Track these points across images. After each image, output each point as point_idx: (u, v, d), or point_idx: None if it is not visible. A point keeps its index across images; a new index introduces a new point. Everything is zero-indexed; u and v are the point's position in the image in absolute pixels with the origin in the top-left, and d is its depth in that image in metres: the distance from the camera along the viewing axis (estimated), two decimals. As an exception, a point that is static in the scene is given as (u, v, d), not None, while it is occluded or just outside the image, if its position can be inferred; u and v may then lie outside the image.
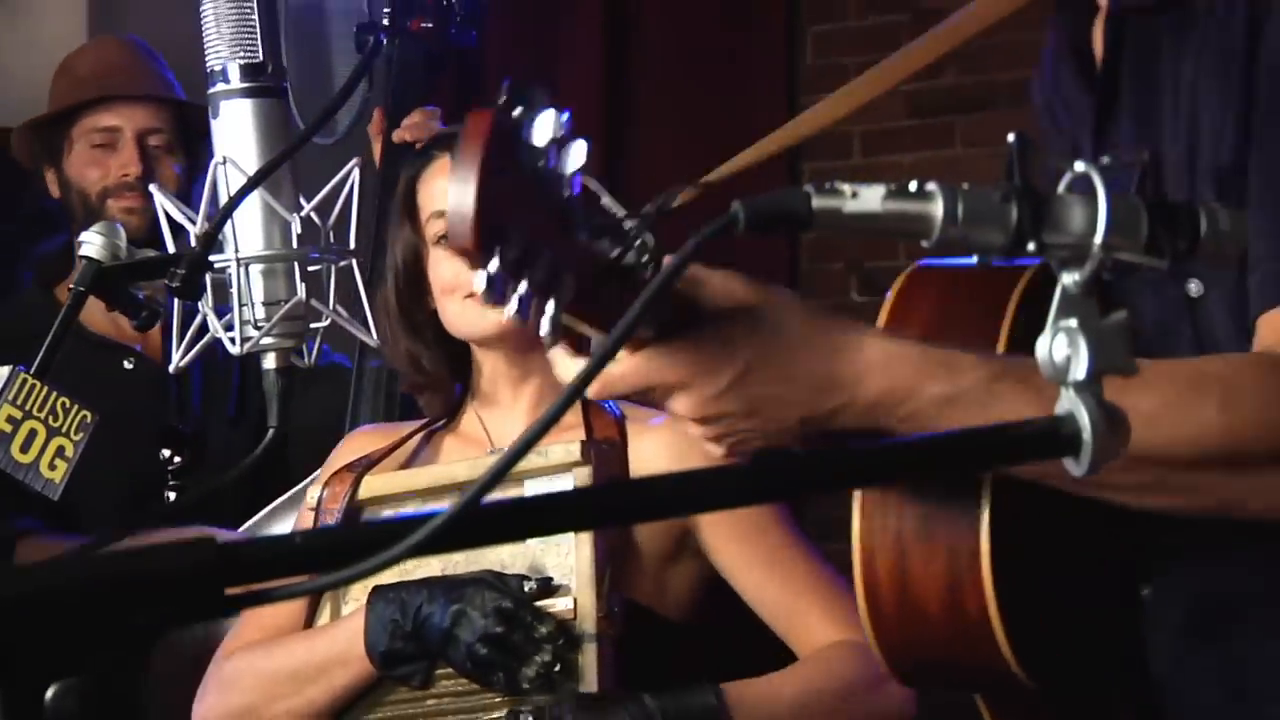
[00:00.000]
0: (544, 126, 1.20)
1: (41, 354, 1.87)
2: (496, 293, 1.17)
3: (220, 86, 1.70)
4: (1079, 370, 1.10)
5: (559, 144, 1.21)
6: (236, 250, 1.50)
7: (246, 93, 1.68)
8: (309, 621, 2.38)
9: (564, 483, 2.23)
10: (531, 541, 2.22)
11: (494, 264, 1.14)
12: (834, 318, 1.49)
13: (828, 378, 1.44)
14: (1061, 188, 1.15)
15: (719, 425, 1.46)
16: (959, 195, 1.13)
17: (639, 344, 1.42)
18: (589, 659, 2.21)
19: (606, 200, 1.38)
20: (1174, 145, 1.63)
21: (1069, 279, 1.13)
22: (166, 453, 2.82)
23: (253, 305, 1.46)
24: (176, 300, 1.89)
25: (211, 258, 1.65)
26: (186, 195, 3.15)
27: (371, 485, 2.35)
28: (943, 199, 1.12)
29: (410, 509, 2.32)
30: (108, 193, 3.26)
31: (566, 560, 2.25)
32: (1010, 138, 1.15)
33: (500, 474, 1.03)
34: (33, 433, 1.82)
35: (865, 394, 1.44)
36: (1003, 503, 1.49)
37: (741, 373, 1.42)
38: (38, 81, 5.12)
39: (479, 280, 1.16)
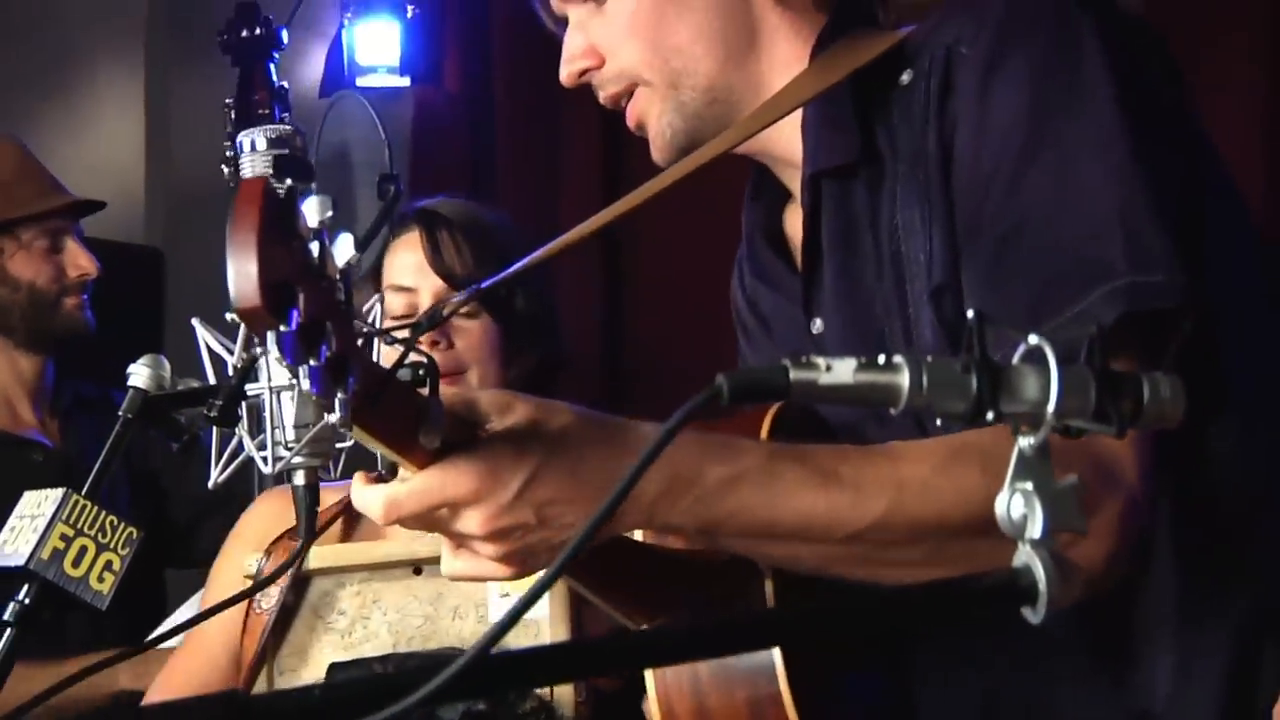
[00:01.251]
0: (313, 209, 1.25)
1: (92, 477, 1.96)
2: (288, 355, 1.19)
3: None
4: (1034, 529, 1.18)
5: (329, 227, 1.25)
6: (270, 380, 1.58)
7: (280, 175, 1.75)
8: (247, 688, 2.25)
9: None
10: (496, 619, 2.12)
11: (283, 326, 1.15)
12: (613, 418, 1.49)
13: (614, 473, 1.43)
14: (1016, 358, 1.22)
15: (509, 540, 1.45)
16: (923, 366, 1.18)
17: (425, 461, 1.41)
18: None
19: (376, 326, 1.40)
20: (880, 283, 1.68)
21: (1025, 442, 1.21)
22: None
23: (284, 429, 1.53)
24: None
25: (245, 386, 1.71)
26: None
27: (322, 555, 2.27)
28: (909, 371, 1.18)
29: (357, 583, 2.25)
30: (66, 292, 3.44)
31: (537, 641, 2.20)
32: (969, 314, 1.21)
33: (505, 628, 1.10)
34: (83, 549, 1.92)
35: (651, 486, 1.44)
36: (794, 654, 1.54)
37: (529, 478, 1.42)
38: (91, 185, 5.23)
39: (270, 342, 1.20)
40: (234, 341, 1.39)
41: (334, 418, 1.27)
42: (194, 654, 2.33)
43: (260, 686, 2.25)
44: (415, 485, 1.43)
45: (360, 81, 5.26)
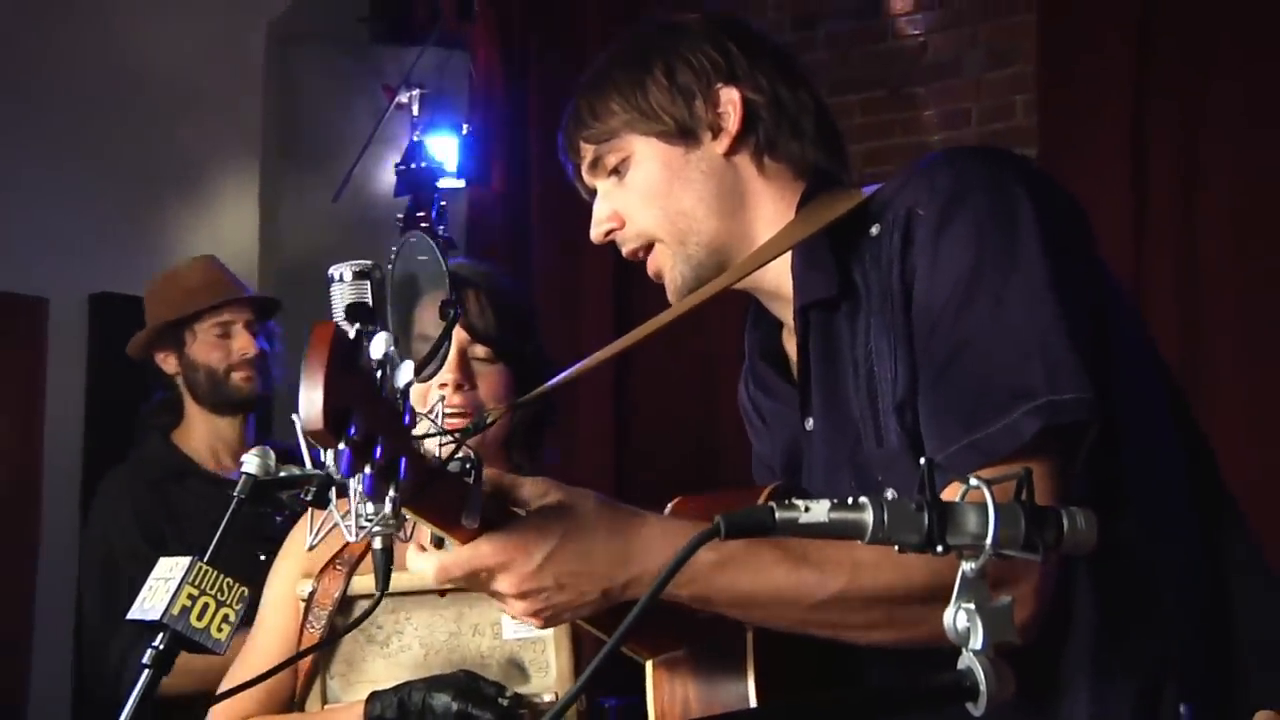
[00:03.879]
0: (378, 345, 1.24)
1: (212, 546, 1.93)
2: (344, 468, 1.18)
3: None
4: (976, 642, 1.14)
5: (392, 360, 1.24)
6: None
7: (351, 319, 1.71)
8: (302, 697, 2.20)
9: None
10: (508, 636, 2.13)
11: (341, 445, 1.14)
12: (626, 507, 1.49)
13: (621, 553, 1.45)
14: (959, 496, 1.18)
15: (536, 599, 1.46)
16: (885, 506, 1.15)
17: (469, 536, 1.42)
18: None
19: (431, 421, 1.39)
20: (858, 395, 1.67)
21: (967, 567, 1.17)
22: (263, 556, 2.77)
23: (366, 504, 1.49)
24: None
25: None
26: (265, 357, 3.51)
27: (364, 583, 2.17)
28: (872, 510, 1.15)
29: (392, 603, 2.16)
30: (232, 368, 3.49)
31: (543, 656, 2.13)
32: (921, 461, 1.18)
33: (574, 697, 1.05)
34: (205, 605, 1.89)
35: (650, 563, 1.45)
36: (764, 668, 1.52)
37: (551, 552, 1.42)
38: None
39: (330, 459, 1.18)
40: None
41: (385, 511, 1.26)
42: (256, 660, 2.22)
43: (315, 689, 2.20)
44: (460, 557, 1.45)
45: (427, 183, 5.26)
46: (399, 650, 2.17)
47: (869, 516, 1.15)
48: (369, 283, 1.53)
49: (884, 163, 4.93)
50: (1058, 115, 4.58)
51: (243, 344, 3.51)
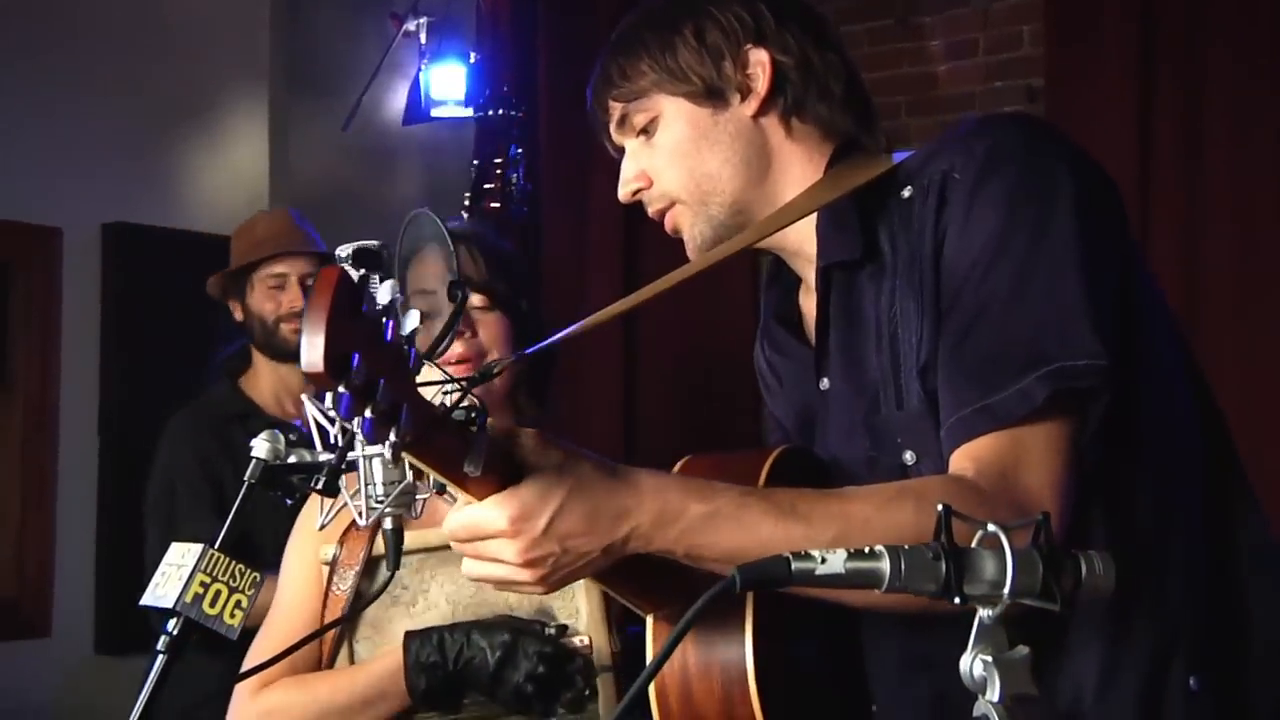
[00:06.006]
0: (384, 291, 1.21)
1: (223, 533, 1.90)
2: (344, 411, 1.16)
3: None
4: (993, 693, 1.11)
5: (399, 307, 1.21)
6: (364, 448, 1.50)
7: (358, 265, 1.68)
8: (330, 660, 2.19)
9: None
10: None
11: (341, 386, 1.12)
12: (623, 468, 1.47)
13: (620, 509, 1.42)
14: (975, 541, 1.14)
15: (542, 565, 1.43)
16: (901, 555, 1.12)
17: (475, 487, 1.39)
18: (607, 689, 2.11)
19: (439, 369, 1.36)
20: (878, 356, 1.65)
21: (984, 613, 1.13)
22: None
23: (375, 486, 1.46)
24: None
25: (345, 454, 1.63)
26: None
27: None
28: (889, 559, 1.12)
29: (416, 562, 2.14)
30: (280, 320, 3.55)
31: (571, 603, 2.12)
32: (939, 507, 1.14)
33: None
34: (218, 592, 1.86)
35: (646, 517, 1.43)
36: (762, 637, 1.50)
37: (552, 518, 1.40)
38: (226, 198, 5.17)
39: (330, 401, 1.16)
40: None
41: (385, 451, 1.22)
42: (280, 633, 2.19)
43: (342, 655, 2.18)
44: (466, 520, 1.42)
45: (434, 112, 5.17)
46: (425, 609, 2.16)
47: (886, 565, 1.12)
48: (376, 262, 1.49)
49: (892, 93, 4.85)
50: (1065, 45, 4.49)
51: (292, 297, 3.55)
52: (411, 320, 1.24)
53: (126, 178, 5.10)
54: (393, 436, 1.21)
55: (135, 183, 5.10)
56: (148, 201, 5.11)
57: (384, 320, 1.21)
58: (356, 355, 1.13)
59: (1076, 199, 1.56)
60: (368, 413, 1.17)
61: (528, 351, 1.70)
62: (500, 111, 5.07)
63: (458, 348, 2.19)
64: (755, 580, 1.10)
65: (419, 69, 5.19)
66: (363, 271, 1.25)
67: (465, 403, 1.38)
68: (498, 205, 4.81)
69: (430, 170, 4.97)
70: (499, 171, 4.88)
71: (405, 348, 1.23)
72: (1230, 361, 3.88)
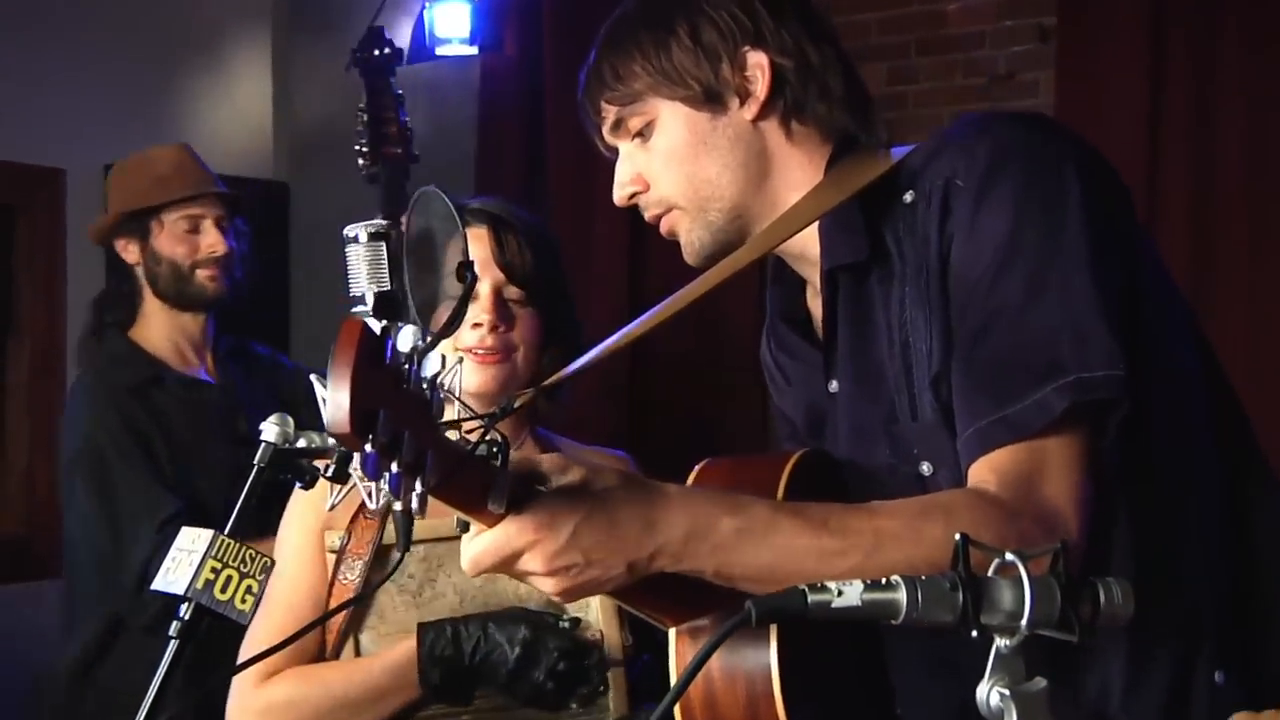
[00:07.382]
0: (406, 338, 1.18)
1: (233, 519, 1.89)
2: (370, 471, 1.13)
3: (360, 309, 1.68)
4: (1010, 725, 1.10)
5: (420, 352, 1.18)
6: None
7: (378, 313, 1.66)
8: (336, 650, 2.15)
9: None
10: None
11: (368, 447, 1.10)
12: (648, 482, 1.43)
13: (644, 524, 1.37)
14: (991, 570, 1.13)
15: (565, 576, 1.39)
16: (918, 585, 1.10)
17: (494, 520, 1.36)
18: (619, 682, 2.11)
19: (460, 403, 1.34)
20: (891, 361, 1.62)
21: (1002, 643, 1.12)
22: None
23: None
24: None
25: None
26: (232, 256, 3.29)
27: (394, 532, 2.14)
28: (905, 590, 1.10)
29: (423, 550, 2.11)
30: (197, 265, 3.29)
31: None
32: (956, 536, 1.12)
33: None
34: (229, 578, 1.86)
35: (675, 532, 1.38)
36: (786, 645, 1.48)
37: (576, 528, 1.35)
38: (229, 137, 5.10)
39: (356, 462, 1.13)
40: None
41: (413, 504, 1.19)
42: (280, 620, 2.12)
43: (348, 645, 2.14)
44: (489, 544, 1.37)
45: (438, 51, 5.11)
46: (432, 598, 2.13)
47: (903, 596, 1.11)
48: (384, 244, 1.48)
49: (901, 32, 4.78)
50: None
51: (211, 241, 3.29)
52: (433, 364, 1.22)
53: (129, 118, 5.04)
54: (419, 488, 1.18)
55: (138, 122, 5.03)
56: (150, 141, 4.96)
57: (406, 368, 1.19)
58: (381, 410, 1.10)
59: (1084, 202, 1.53)
60: (394, 467, 1.14)
61: (543, 387, 1.67)
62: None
63: (488, 340, 2.15)
64: (771, 613, 1.09)
65: (423, 6, 5.13)
66: (384, 323, 1.23)
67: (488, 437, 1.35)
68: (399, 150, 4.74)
69: (434, 109, 4.92)
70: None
71: (427, 391, 1.21)
72: (1241, 349, 3.85)
